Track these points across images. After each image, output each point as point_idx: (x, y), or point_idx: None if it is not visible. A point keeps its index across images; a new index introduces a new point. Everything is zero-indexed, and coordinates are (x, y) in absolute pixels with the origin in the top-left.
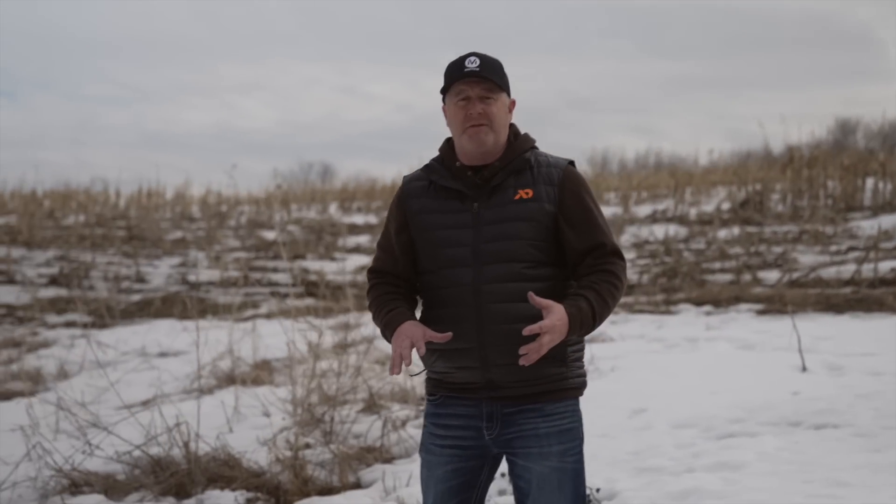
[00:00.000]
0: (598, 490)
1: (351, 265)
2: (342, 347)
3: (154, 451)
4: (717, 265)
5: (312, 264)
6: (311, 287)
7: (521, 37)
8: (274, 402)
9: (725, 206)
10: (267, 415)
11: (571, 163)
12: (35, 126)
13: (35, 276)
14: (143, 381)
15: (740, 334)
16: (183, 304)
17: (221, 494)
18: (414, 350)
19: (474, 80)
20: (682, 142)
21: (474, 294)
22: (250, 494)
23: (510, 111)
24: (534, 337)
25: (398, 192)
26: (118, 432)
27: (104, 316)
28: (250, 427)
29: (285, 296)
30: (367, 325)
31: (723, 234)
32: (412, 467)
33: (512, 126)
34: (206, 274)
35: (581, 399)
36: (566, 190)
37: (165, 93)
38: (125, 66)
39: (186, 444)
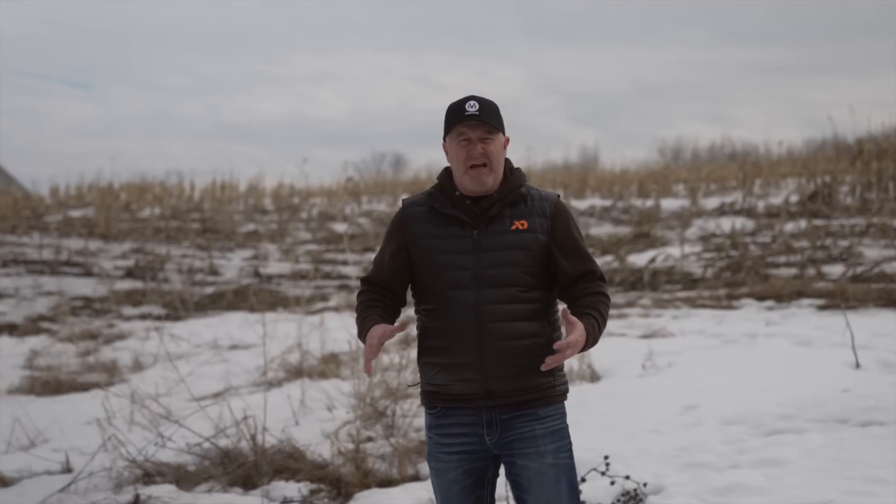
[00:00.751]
0: (644, 485)
1: None
2: (405, 342)
3: (223, 443)
4: (783, 259)
5: None
6: None
7: (593, 25)
8: (338, 397)
9: (794, 198)
10: (330, 409)
11: (558, 196)
12: (111, 117)
13: (111, 268)
14: (214, 374)
15: (799, 330)
16: (254, 296)
17: (286, 485)
18: (417, 361)
19: (474, 123)
20: (755, 129)
21: (476, 314)
22: (314, 486)
23: (505, 148)
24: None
25: (399, 214)
26: (189, 425)
27: (178, 308)
28: (315, 420)
29: (353, 289)
30: None
31: (790, 227)
32: None
33: (507, 161)
34: (277, 267)
35: (635, 394)
36: (558, 222)
37: (239, 83)
38: (199, 57)
39: (254, 437)
